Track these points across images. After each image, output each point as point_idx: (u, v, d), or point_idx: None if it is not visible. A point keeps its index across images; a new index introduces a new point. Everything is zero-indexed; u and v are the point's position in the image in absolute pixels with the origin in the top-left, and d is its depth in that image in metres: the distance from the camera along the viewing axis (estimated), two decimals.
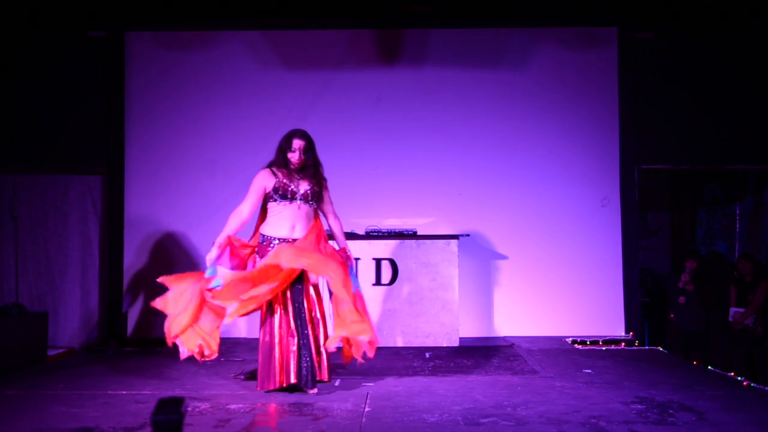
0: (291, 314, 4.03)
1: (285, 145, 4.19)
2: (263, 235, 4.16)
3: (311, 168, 4.21)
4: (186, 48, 6.71)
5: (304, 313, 4.04)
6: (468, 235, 6.17)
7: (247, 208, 4.19)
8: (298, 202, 4.14)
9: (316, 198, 4.22)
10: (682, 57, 6.68)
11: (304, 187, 4.16)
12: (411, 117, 6.62)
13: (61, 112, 6.61)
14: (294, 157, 4.15)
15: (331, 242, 4.32)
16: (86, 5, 6.50)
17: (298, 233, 4.12)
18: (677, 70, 6.66)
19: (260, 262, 4.06)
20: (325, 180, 4.32)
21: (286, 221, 4.12)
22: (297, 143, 4.16)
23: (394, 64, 6.69)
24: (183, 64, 6.71)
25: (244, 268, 4.17)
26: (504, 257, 6.57)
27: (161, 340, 6.02)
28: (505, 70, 6.68)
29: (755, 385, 4.17)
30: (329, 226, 4.40)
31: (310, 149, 4.20)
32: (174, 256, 6.46)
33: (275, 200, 4.14)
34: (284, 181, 4.13)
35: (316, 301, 4.17)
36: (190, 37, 6.73)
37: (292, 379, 3.96)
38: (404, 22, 6.72)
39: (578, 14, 6.76)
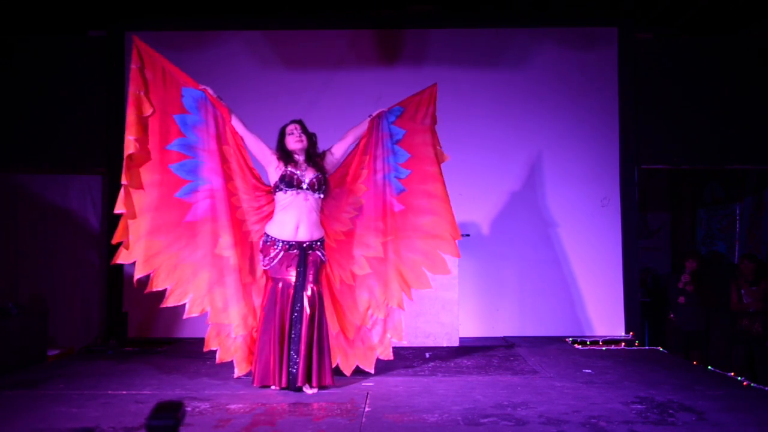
0: (288, 315, 4.03)
1: (281, 137, 4.27)
2: (267, 235, 4.17)
3: (315, 157, 4.27)
4: (186, 48, 6.69)
5: (304, 314, 4.02)
6: (468, 235, 6.16)
7: (250, 134, 4.29)
8: (305, 191, 4.14)
9: (323, 188, 4.22)
10: (682, 57, 6.68)
11: (310, 175, 4.17)
12: None
13: (61, 112, 6.60)
14: (293, 137, 4.21)
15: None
16: (86, 5, 6.50)
17: (302, 234, 4.12)
18: (677, 70, 6.66)
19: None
20: (324, 153, 4.37)
21: (291, 219, 4.12)
22: (291, 127, 4.27)
23: (394, 63, 6.68)
24: (183, 63, 6.61)
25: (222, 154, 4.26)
26: (504, 257, 6.56)
27: (161, 340, 6.10)
28: (505, 70, 6.68)
29: (755, 385, 4.17)
30: (347, 139, 4.48)
31: (306, 131, 4.27)
32: None
33: (282, 190, 4.14)
34: (291, 169, 4.15)
35: (318, 302, 4.10)
36: (190, 36, 6.72)
37: (282, 383, 4.00)
38: (404, 22, 6.72)
39: (578, 14, 6.76)
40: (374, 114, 4.60)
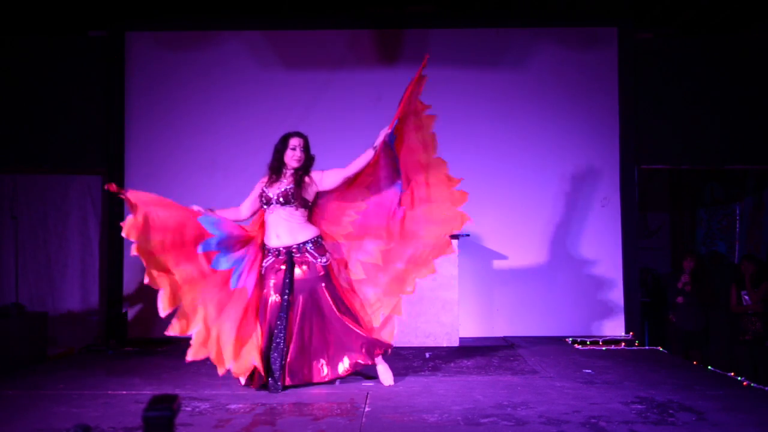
0: (273, 315, 4.07)
1: (281, 147, 4.21)
2: (263, 242, 4.28)
3: (303, 175, 4.19)
4: (186, 48, 6.71)
5: (287, 313, 4.04)
6: (468, 235, 6.16)
7: (244, 207, 4.33)
8: (273, 206, 4.15)
9: (295, 198, 4.13)
10: (682, 57, 6.68)
11: (276, 191, 4.15)
12: None
13: (61, 112, 6.61)
14: (295, 155, 4.17)
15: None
16: (86, 5, 6.50)
17: (284, 239, 4.15)
18: (677, 70, 6.66)
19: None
20: (314, 174, 4.26)
21: (271, 229, 4.19)
22: (295, 141, 4.20)
23: (394, 63, 6.68)
24: (183, 64, 6.71)
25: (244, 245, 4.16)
26: (504, 257, 6.57)
27: (161, 340, 6.09)
28: (505, 70, 6.68)
29: (755, 385, 4.16)
30: (353, 168, 4.25)
31: (307, 150, 4.24)
32: None
33: (262, 207, 4.24)
34: (264, 189, 4.19)
35: (306, 303, 4.13)
36: (190, 37, 6.73)
37: (265, 380, 4.01)
38: (404, 22, 6.72)
39: (578, 14, 6.76)
40: (377, 143, 4.31)
